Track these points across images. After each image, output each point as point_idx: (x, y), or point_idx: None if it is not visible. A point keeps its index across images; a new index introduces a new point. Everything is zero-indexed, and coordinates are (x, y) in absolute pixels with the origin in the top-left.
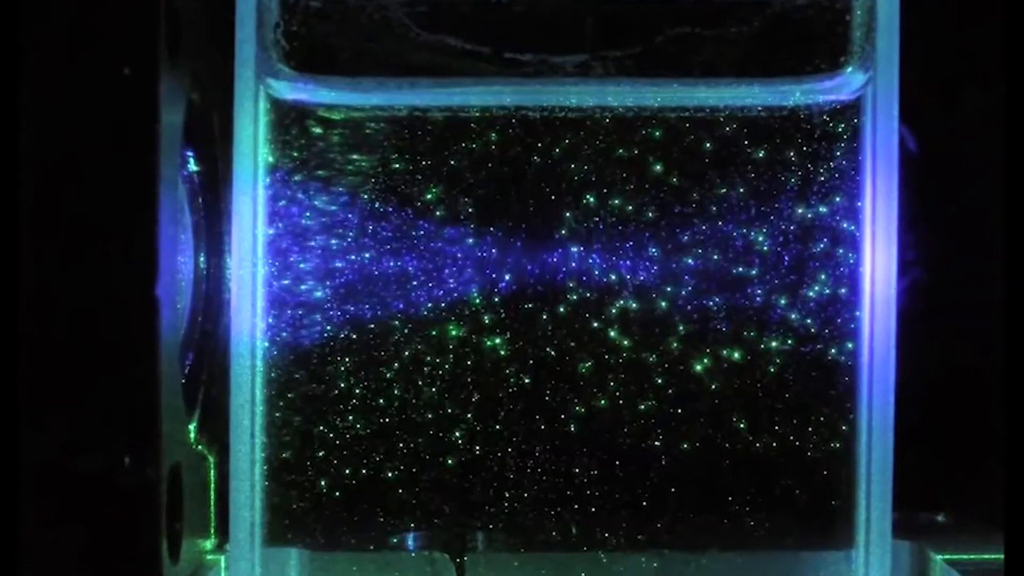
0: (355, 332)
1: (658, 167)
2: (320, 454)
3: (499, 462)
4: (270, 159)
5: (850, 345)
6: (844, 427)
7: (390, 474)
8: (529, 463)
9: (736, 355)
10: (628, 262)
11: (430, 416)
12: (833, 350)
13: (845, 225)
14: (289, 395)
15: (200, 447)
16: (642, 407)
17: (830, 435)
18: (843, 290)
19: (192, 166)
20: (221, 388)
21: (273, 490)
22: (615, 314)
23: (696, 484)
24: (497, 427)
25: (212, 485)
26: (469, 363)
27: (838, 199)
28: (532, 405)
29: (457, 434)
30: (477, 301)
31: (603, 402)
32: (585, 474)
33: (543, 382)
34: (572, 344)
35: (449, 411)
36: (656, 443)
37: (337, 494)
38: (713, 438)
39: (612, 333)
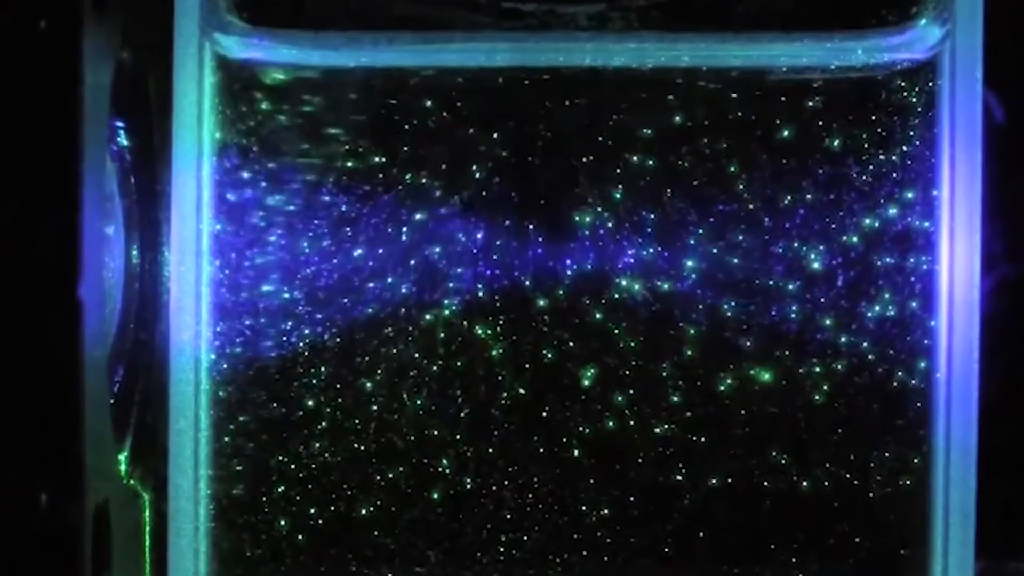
0: (320, 341)
1: (689, 142)
2: (279, 489)
3: (494, 498)
4: (217, 132)
5: (923, 362)
6: (916, 460)
7: (363, 511)
8: (529, 498)
9: (783, 372)
10: (651, 257)
11: (412, 442)
12: (902, 368)
13: (917, 214)
14: (241, 418)
15: (132, 482)
16: (668, 433)
17: (898, 470)
18: (915, 295)
19: (122, 140)
20: (158, 410)
21: (221, 533)
22: (635, 320)
23: (733, 528)
24: (491, 455)
25: (147, 527)
26: (459, 378)
27: (908, 182)
28: (534, 430)
29: (444, 462)
30: (469, 305)
31: (618, 426)
32: (597, 513)
33: (548, 401)
34: (582, 355)
35: (435, 436)
36: (684, 478)
37: (300, 537)
38: (754, 472)
39: (631, 342)
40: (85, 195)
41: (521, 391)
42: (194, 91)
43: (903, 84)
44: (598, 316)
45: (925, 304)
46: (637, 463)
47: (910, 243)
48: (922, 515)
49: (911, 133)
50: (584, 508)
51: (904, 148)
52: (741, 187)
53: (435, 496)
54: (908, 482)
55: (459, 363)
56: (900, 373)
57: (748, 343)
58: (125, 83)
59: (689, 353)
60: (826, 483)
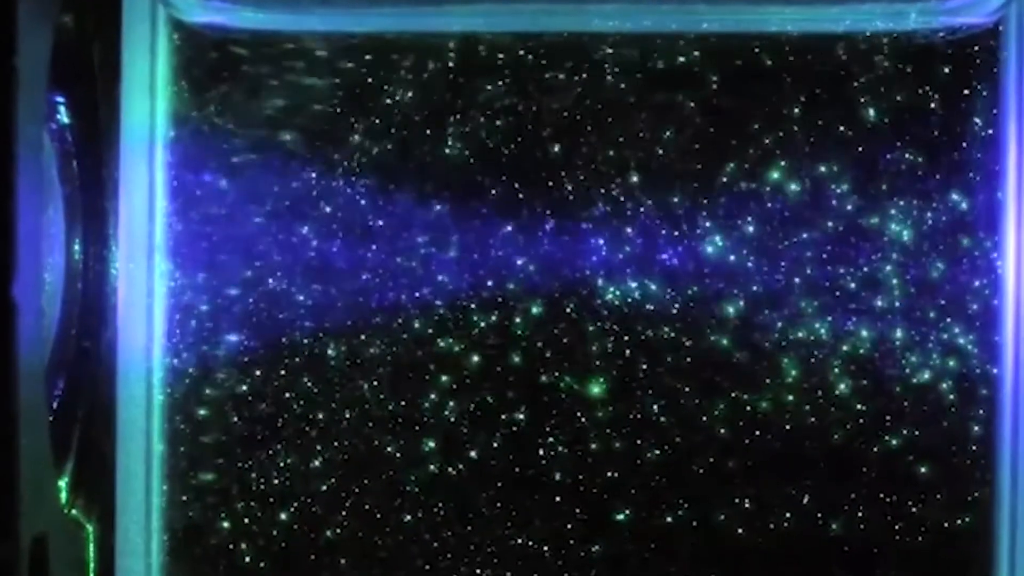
0: (286, 349)
1: (717, 120)
2: (240, 517)
3: (475, 524)
4: (173, 108)
5: (985, 375)
6: (976, 493)
7: (330, 534)
8: (509, 528)
9: (817, 393)
10: (665, 254)
11: (386, 461)
12: (960, 387)
13: (978, 205)
14: (198, 437)
15: (75, 511)
16: (676, 459)
17: (956, 507)
18: (974, 298)
19: (63, 118)
20: (104, 428)
21: (176, 568)
22: (649, 326)
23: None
24: (479, 474)
25: (91, 564)
26: (447, 388)
27: (967, 166)
28: (519, 450)
29: (419, 481)
30: (448, 307)
31: (621, 448)
32: (594, 546)
33: (546, 415)
34: (584, 363)
35: (415, 452)
36: (703, 513)
37: (262, 565)
38: (786, 508)
39: (642, 353)
40: (19, 181)
41: (518, 408)
42: (146, 61)
43: (963, 51)
44: (611, 328)
45: (987, 307)
46: (643, 495)
47: (969, 238)
48: (984, 556)
49: (970, 110)
50: (573, 541)
51: (962, 127)
52: (776, 171)
53: (408, 519)
54: (968, 519)
55: (447, 378)
56: (958, 392)
57: (777, 359)
58: (66, 52)
59: (709, 374)
60: (872, 521)
